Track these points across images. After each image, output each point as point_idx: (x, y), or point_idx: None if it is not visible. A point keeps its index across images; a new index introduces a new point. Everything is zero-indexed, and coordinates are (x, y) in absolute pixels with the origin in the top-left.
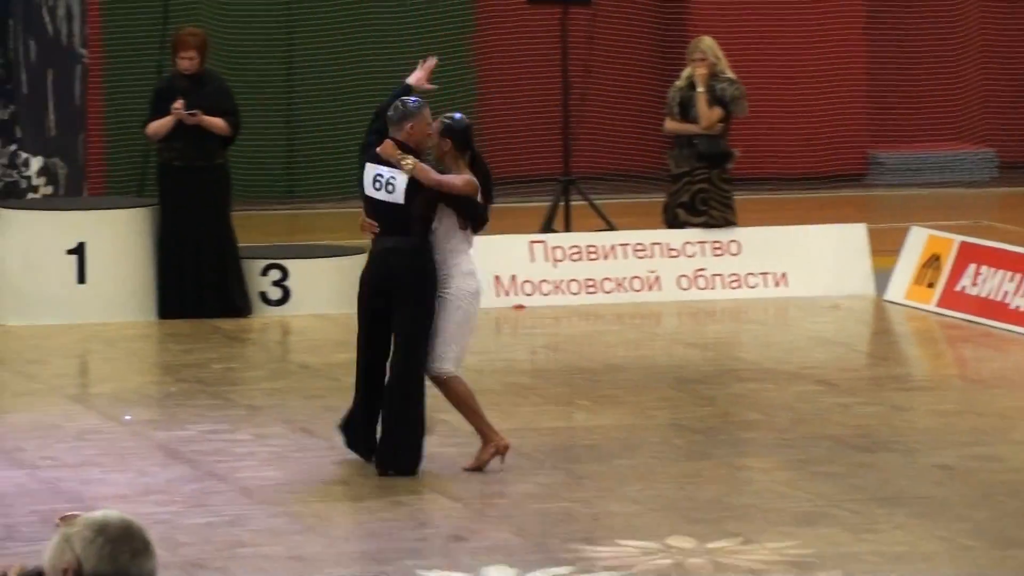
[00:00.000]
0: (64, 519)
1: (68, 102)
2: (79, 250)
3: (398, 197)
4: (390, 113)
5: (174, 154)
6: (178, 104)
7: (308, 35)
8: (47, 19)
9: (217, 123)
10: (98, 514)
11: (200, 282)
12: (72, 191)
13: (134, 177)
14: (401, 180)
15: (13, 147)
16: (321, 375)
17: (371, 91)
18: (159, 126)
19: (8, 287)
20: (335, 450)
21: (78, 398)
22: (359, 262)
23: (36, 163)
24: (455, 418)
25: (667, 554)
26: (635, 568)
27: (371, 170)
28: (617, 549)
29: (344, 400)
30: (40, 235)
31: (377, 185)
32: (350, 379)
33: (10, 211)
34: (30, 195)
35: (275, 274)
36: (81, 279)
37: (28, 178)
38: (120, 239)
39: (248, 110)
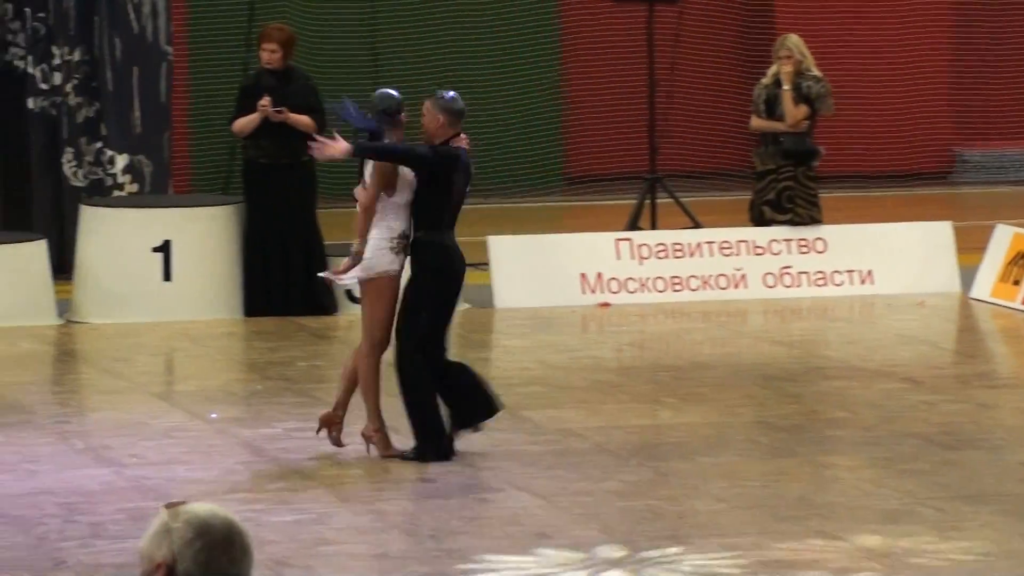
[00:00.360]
0: (170, 507)
1: (153, 100)
2: (165, 248)
3: None
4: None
5: (260, 152)
6: (264, 101)
7: (392, 33)
8: (132, 16)
9: (303, 120)
10: (204, 511)
11: (286, 280)
12: (158, 189)
13: (219, 175)
14: None
15: (99, 145)
16: None
17: (456, 87)
18: (245, 123)
19: (94, 285)
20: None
21: (164, 396)
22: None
23: (121, 161)
24: (539, 416)
25: (753, 553)
26: (722, 566)
27: None
28: (703, 543)
29: None
30: (126, 233)
31: None
32: None
33: (96, 209)
34: (116, 193)
35: None
36: (167, 277)
37: (114, 176)
38: (206, 237)
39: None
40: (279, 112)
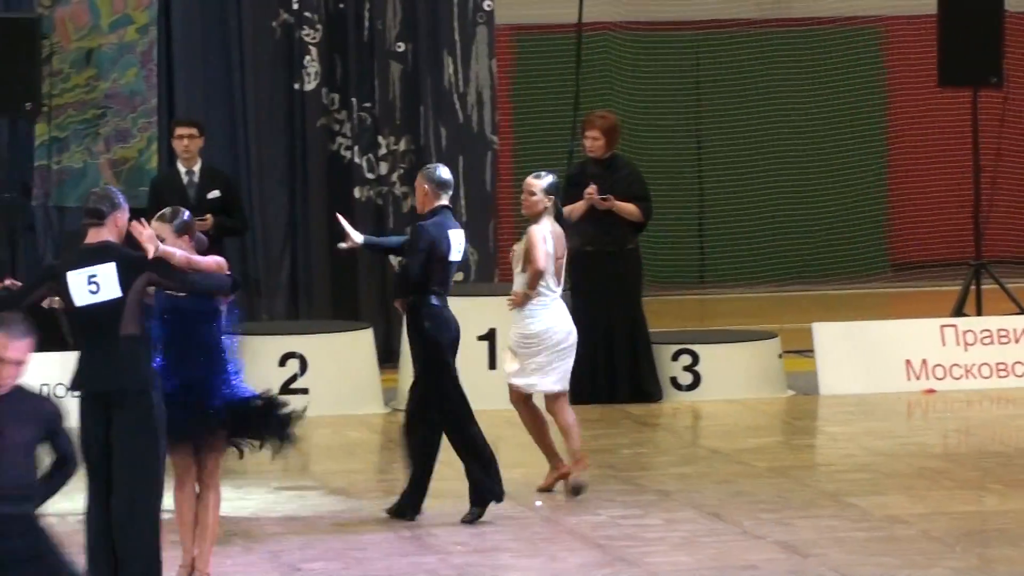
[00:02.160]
0: None
1: (479, 189)
2: (490, 336)
3: None
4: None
5: (586, 239)
6: (591, 190)
7: (717, 118)
8: (457, 105)
9: (629, 208)
10: None
11: (612, 367)
12: (483, 277)
13: None
14: None
15: None
16: (731, 460)
17: (782, 174)
18: (571, 211)
19: None
20: (746, 535)
21: None
22: (772, 347)
23: None
24: (864, 502)
25: None
26: None
27: None
28: None
29: (757, 485)
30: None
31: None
32: (761, 464)
33: None
34: None
35: (686, 359)
36: (492, 365)
37: None
38: None
39: (659, 196)
40: (605, 200)
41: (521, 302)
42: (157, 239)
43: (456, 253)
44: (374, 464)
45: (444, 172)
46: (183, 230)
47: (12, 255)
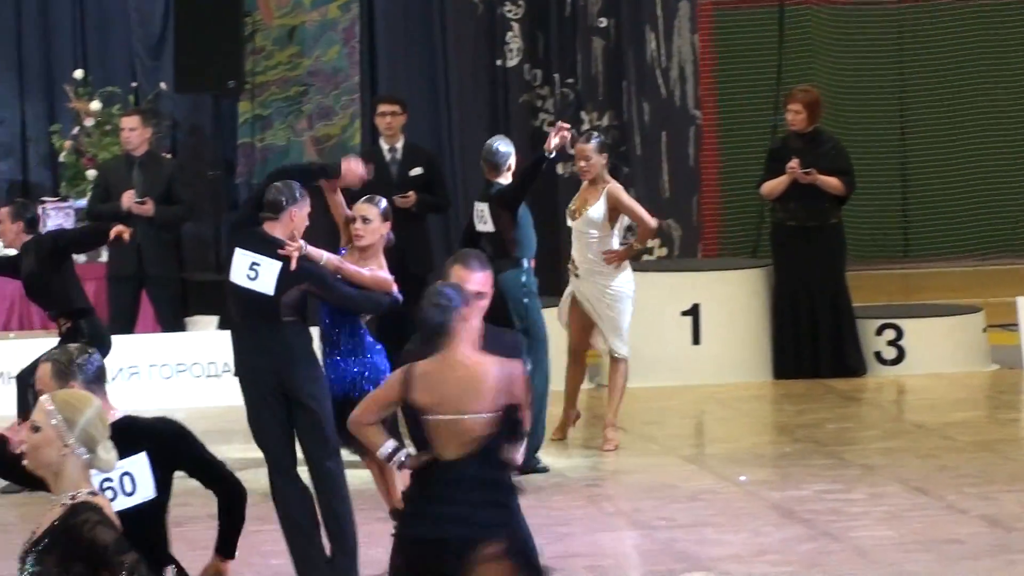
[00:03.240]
0: None
1: (682, 164)
2: (694, 311)
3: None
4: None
5: (788, 214)
6: (793, 164)
7: (921, 90)
8: (660, 81)
9: (832, 182)
10: None
11: (815, 342)
12: (687, 252)
13: (749, 238)
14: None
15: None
16: (936, 434)
17: (986, 146)
18: (774, 186)
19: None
20: (951, 509)
21: (693, 458)
22: (975, 321)
23: None
24: None
25: None
26: None
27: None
28: None
29: (961, 460)
30: (655, 297)
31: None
32: (965, 438)
33: None
34: (644, 257)
35: (889, 333)
36: (696, 340)
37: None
38: (735, 300)
39: (862, 170)
40: (808, 174)
41: (625, 257)
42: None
43: (477, 224)
44: (578, 440)
45: (495, 145)
46: (387, 216)
47: (215, 232)
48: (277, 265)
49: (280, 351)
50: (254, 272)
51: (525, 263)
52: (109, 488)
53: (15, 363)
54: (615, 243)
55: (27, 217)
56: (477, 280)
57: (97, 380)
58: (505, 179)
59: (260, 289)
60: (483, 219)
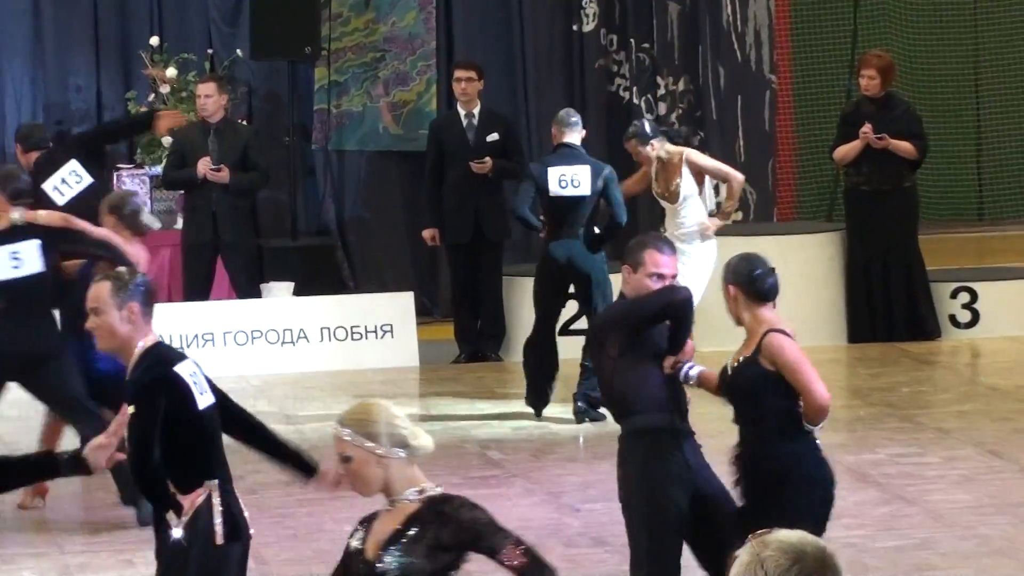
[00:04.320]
0: (755, 537)
1: (757, 128)
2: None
3: None
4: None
5: (861, 178)
6: (866, 129)
7: (996, 53)
8: (735, 45)
9: (905, 147)
10: (794, 537)
11: (889, 306)
12: (762, 216)
13: (823, 201)
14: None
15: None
16: (1011, 397)
17: None
18: (847, 150)
19: (700, 313)
20: None
21: None
22: None
23: (726, 189)
24: None
25: None
26: None
27: None
28: None
29: None
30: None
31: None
32: None
33: None
34: None
35: (964, 297)
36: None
37: (719, 204)
38: (809, 264)
39: (936, 133)
40: (880, 139)
41: (722, 223)
42: None
43: (553, 187)
44: None
45: (566, 112)
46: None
47: (293, 198)
48: None
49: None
50: None
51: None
52: None
53: None
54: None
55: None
56: (668, 264)
57: (150, 302)
58: (578, 140)
59: None
60: (576, 183)
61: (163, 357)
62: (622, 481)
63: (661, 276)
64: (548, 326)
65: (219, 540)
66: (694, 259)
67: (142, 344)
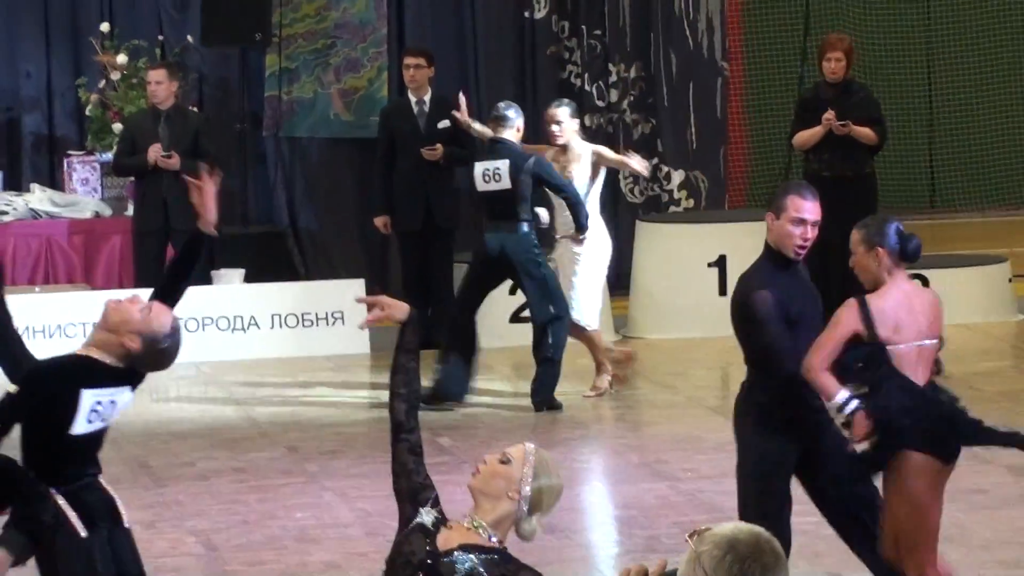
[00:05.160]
0: (693, 535)
1: (709, 115)
2: (720, 263)
3: None
4: None
5: (822, 165)
6: (829, 115)
7: (948, 42)
8: (688, 32)
9: (865, 132)
10: (727, 528)
11: (846, 292)
12: (713, 204)
13: (776, 189)
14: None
15: (654, 161)
16: (962, 384)
17: (1012, 96)
18: (807, 136)
19: (650, 300)
20: (975, 459)
21: (718, 410)
22: (1001, 271)
23: (677, 177)
24: None
25: None
26: None
27: None
28: None
29: (988, 410)
30: (681, 248)
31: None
32: (991, 388)
33: (652, 224)
34: (671, 208)
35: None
36: (722, 291)
37: (670, 192)
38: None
39: (889, 119)
40: (844, 126)
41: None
42: None
43: (479, 182)
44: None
45: (498, 106)
46: None
47: (244, 185)
48: None
49: None
50: None
51: (527, 225)
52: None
53: (41, 317)
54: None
55: None
56: (811, 209)
57: None
58: (511, 136)
59: None
60: (497, 177)
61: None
62: (738, 428)
63: (803, 221)
64: (469, 309)
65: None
66: (587, 254)
67: None
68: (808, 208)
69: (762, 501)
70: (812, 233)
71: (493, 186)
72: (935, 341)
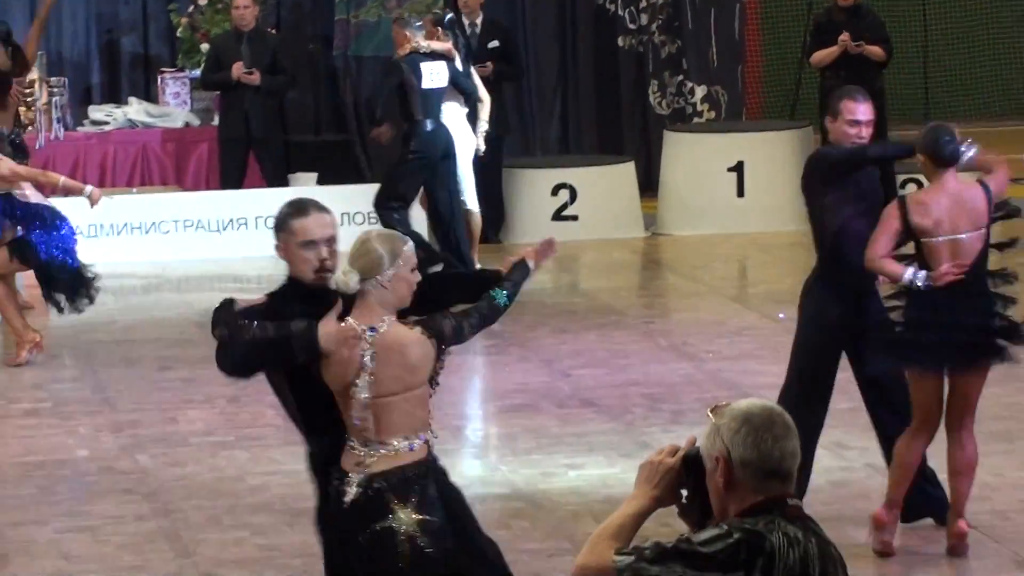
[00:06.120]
0: (714, 410)
1: (728, 37)
2: (738, 168)
3: None
4: None
5: (838, 81)
6: (845, 37)
7: None
8: None
9: (876, 51)
10: (743, 404)
11: None
12: (732, 115)
13: (787, 102)
14: None
15: (680, 77)
16: None
17: (1000, 14)
18: (824, 55)
19: (676, 201)
20: None
21: (737, 298)
22: None
23: (700, 91)
24: None
25: None
26: None
27: None
28: None
29: None
30: (704, 155)
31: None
32: None
33: (678, 134)
34: (695, 120)
35: (912, 188)
36: (740, 193)
37: (693, 105)
38: (775, 158)
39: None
40: (858, 46)
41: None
42: None
43: (427, 80)
44: (636, 282)
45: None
46: None
47: (316, 98)
48: None
49: None
50: None
51: None
52: None
53: (138, 215)
54: None
55: None
56: (864, 111)
57: None
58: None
59: None
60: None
61: None
62: (802, 307)
63: (857, 122)
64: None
65: None
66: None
67: None
68: (861, 110)
69: (804, 382)
70: (867, 131)
71: (435, 84)
72: (973, 233)
